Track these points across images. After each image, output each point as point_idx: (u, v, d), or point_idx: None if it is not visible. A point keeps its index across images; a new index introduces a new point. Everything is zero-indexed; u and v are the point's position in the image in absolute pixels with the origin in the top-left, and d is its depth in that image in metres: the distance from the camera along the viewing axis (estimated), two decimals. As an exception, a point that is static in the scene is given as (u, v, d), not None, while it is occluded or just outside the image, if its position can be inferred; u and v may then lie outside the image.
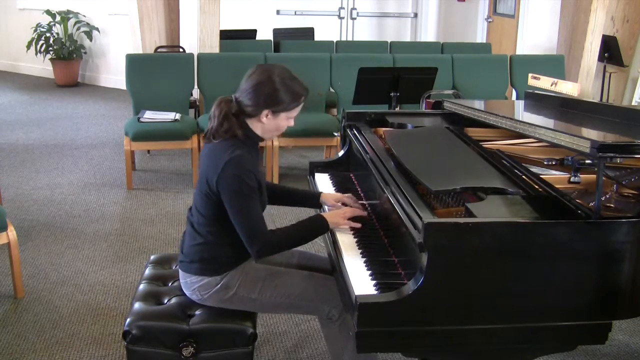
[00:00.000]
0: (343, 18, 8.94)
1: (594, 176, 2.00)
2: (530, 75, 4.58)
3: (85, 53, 9.20)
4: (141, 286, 2.54)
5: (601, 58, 6.52)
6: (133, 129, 5.06)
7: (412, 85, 4.69)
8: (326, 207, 2.61)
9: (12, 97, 8.33)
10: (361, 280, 2.03)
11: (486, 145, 2.58)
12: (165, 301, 2.44)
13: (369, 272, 2.08)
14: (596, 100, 6.78)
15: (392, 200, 2.13)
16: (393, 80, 4.67)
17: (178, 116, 5.26)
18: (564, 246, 1.85)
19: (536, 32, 7.72)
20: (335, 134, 5.08)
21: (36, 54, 8.95)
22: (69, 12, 9.02)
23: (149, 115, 5.23)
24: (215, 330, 2.31)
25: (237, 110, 2.28)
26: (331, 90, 5.91)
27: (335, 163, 3.06)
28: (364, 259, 2.17)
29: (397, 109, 4.71)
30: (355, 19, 8.96)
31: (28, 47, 8.98)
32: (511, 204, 1.98)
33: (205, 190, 2.28)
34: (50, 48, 8.93)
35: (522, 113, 2.90)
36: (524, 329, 1.92)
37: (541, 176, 2.19)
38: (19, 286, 3.38)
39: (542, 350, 2.04)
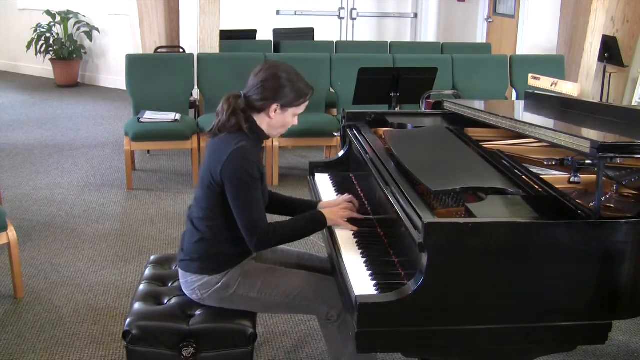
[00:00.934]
0: (343, 18, 8.94)
1: (594, 176, 2.00)
2: (530, 75, 4.58)
3: (85, 53, 9.21)
4: (141, 286, 2.54)
5: (601, 58, 6.53)
6: (133, 129, 5.06)
7: (412, 85, 4.69)
8: (322, 199, 2.64)
9: (12, 97, 8.33)
10: (361, 281, 2.02)
11: (486, 145, 2.58)
12: (165, 301, 2.44)
13: (369, 272, 2.08)
14: (596, 100, 6.78)
15: (392, 201, 2.13)
16: (393, 81, 4.67)
17: (178, 116, 5.26)
18: (564, 246, 1.85)
19: (536, 32, 7.73)
20: (335, 134, 5.08)
21: (36, 54, 8.96)
22: (69, 12, 9.02)
23: (149, 116, 5.23)
24: (215, 330, 2.31)
25: (245, 106, 2.31)
26: (331, 90, 5.91)
27: (335, 163, 3.06)
28: (364, 259, 2.17)
29: (397, 109, 4.71)
30: (355, 19, 8.96)
31: (28, 47, 8.98)
32: (511, 204, 1.98)
33: (207, 181, 2.29)
34: (50, 48, 8.93)
35: (522, 113, 2.90)
36: (524, 329, 1.92)
37: (541, 176, 2.18)
38: (19, 286, 3.38)
39: (542, 350, 2.04)
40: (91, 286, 3.54)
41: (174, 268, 2.67)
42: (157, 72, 5.59)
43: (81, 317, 3.22)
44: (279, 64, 2.37)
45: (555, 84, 4.24)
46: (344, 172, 3.01)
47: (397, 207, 2.07)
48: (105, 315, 3.25)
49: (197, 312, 2.37)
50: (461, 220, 1.82)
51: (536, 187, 2.11)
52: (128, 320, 2.32)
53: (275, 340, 3.06)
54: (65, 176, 5.36)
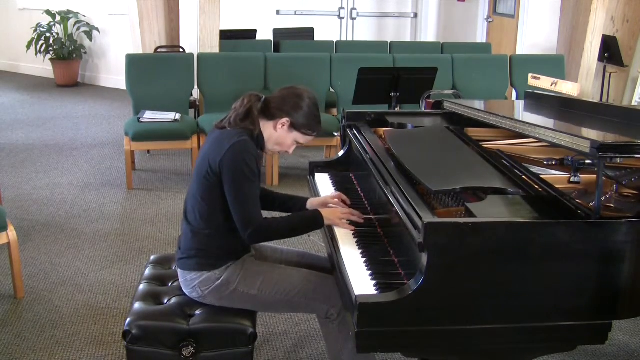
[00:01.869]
0: (343, 18, 8.94)
1: (594, 176, 2.00)
2: (530, 75, 4.58)
3: (85, 53, 9.20)
4: (141, 286, 2.54)
5: (601, 58, 6.52)
6: (133, 129, 5.06)
7: (412, 85, 4.69)
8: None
9: (12, 97, 8.33)
10: (361, 280, 2.03)
11: (486, 145, 2.58)
12: (165, 301, 2.45)
13: (369, 272, 2.08)
14: (596, 100, 6.78)
15: (392, 200, 2.13)
16: (393, 80, 4.67)
17: (178, 116, 5.26)
18: (564, 246, 1.85)
19: (536, 32, 7.73)
20: (335, 133, 5.08)
21: (36, 54, 8.95)
22: (69, 12, 9.02)
23: (149, 115, 5.23)
24: (215, 330, 2.31)
25: (260, 109, 2.35)
26: (331, 90, 5.91)
27: (335, 163, 3.06)
28: (364, 259, 2.17)
29: (397, 109, 4.71)
30: (355, 19, 8.96)
31: (28, 47, 8.98)
32: (511, 204, 1.98)
33: (204, 171, 2.30)
34: (50, 48, 8.93)
35: (522, 113, 2.91)
36: (524, 329, 1.92)
37: (541, 176, 2.18)
38: (19, 286, 3.38)
39: (542, 350, 2.04)
40: (91, 286, 3.55)
41: (173, 268, 2.67)
42: (157, 72, 5.58)
43: (81, 317, 3.22)
44: (307, 91, 2.41)
45: (555, 84, 4.24)
46: (344, 172, 3.01)
47: (397, 206, 2.07)
48: (105, 315, 3.25)
49: (197, 312, 2.37)
50: (461, 220, 1.82)
51: (536, 187, 2.11)
52: (128, 320, 2.32)
53: (275, 340, 3.06)
54: (65, 176, 5.36)
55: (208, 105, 5.58)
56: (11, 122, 7.04)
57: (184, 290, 2.42)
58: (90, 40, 9.06)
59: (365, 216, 2.46)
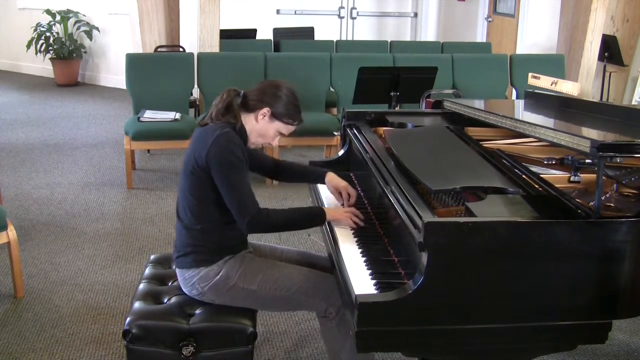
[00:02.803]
0: (343, 18, 8.94)
1: (594, 176, 2.00)
2: (530, 74, 4.58)
3: (85, 52, 9.20)
4: (141, 285, 2.54)
5: (601, 58, 6.53)
6: (133, 129, 5.06)
7: (412, 84, 4.69)
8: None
9: (12, 97, 8.33)
10: (361, 280, 2.03)
11: (486, 144, 2.58)
12: (165, 300, 2.45)
13: (369, 271, 2.08)
14: (596, 99, 6.78)
15: (392, 200, 2.13)
16: (393, 80, 4.67)
17: (178, 116, 5.26)
18: (564, 246, 1.85)
19: (536, 31, 7.72)
20: (335, 133, 5.08)
21: (36, 53, 8.95)
22: (69, 11, 9.01)
23: (149, 115, 5.23)
24: (215, 329, 2.31)
25: (240, 103, 2.36)
26: (331, 89, 5.91)
27: (335, 162, 3.06)
28: (364, 258, 2.17)
29: (397, 109, 4.71)
30: (355, 18, 8.96)
31: (28, 46, 8.97)
32: (511, 204, 1.98)
33: (191, 167, 2.31)
34: (50, 47, 8.93)
35: (522, 112, 2.90)
36: (524, 328, 1.92)
37: (541, 176, 2.18)
38: (19, 286, 3.38)
39: (542, 350, 2.04)
40: (91, 285, 3.55)
41: (173, 267, 2.67)
42: (157, 71, 5.59)
43: (81, 316, 3.22)
44: (286, 82, 2.43)
45: (555, 83, 4.24)
46: (344, 172, 3.00)
47: (397, 206, 2.07)
48: (105, 314, 3.25)
49: (197, 311, 2.37)
50: (461, 220, 1.82)
51: (536, 186, 2.11)
52: (128, 319, 2.32)
53: (275, 340, 3.06)
54: (65, 175, 5.36)
55: (208, 105, 5.54)
56: (11, 122, 7.04)
57: (184, 289, 2.42)
58: (90, 39, 9.06)
59: (365, 216, 2.46)
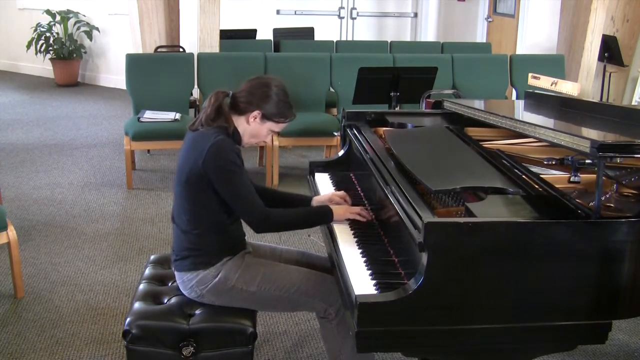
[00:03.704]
0: (343, 18, 8.94)
1: (594, 176, 2.00)
2: (530, 75, 4.58)
3: (85, 53, 9.20)
4: (141, 286, 2.54)
5: (601, 58, 6.52)
6: (133, 129, 5.06)
7: (412, 85, 4.69)
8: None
9: (12, 97, 8.33)
10: (361, 280, 2.03)
11: (486, 145, 2.58)
12: (165, 301, 2.45)
13: (369, 271, 2.08)
14: (596, 100, 6.78)
15: (392, 200, 2.13)
16: (393, 80, 4.67)
17: (178, 116, 5.26)
18: (564, 246, 1.85)
19: (536, 31, 7.72)
20: (335, 133, 5.08)
21: (36, 53, 8.95)
22: (69, 11, 9.02)
23: (149, 115, 5.23)
24: (215, 329, 2.31)
25: (230, 105, 2.35)
26: (331, 89, 5.91)
27: (335, 163, 3.06)
28: (364, 259, 2.17)
29: (397, 109, 4.71)
30: (355, 18, 8.96)
31: (28, 46, 8.97)
32: (511, 204, 1.98)
33: (186, 177, 2.32)
34: (50, 48, 8.93)
35: (522, 113, 2.90)
36: (523, 329, 1.92)
37: (541, 176, 2.18)
38: (19, 286, 3.38)
39: (542, 349, 2.04)
40: (91, 286, 3.55)
41: (172, 268, 2.67)
42: (157, 71, 5.58)
43: (81, 317, 3.22)
44: (274, 79, 2.41)
45: (555, 84, 4.24)
46: (344, 172, 3.01)
47: (397, 206, 2.07)
48: (105, 314, 3.25)
49: (197, 312, 2.37)
50: (461, 220, 1.82)
51: (536, 186, 2.10)
52: (128, 319, 2.32)
53: (275, 340, 3.06)
54: (65, 175, 5.36)
55: (208, 105, 5.57)
56: (11, 122, 7.04)
57: (183, 292, 2.42)
58: (90, 40, 9.06)
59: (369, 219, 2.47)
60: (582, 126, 2.50)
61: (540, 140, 2.35)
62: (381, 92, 4.70)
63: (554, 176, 2.24)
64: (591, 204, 1.88)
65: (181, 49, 6.50)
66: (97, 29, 9.03)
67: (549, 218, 1.85)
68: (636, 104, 6.55)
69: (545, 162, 2.37)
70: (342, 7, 8.91)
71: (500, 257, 1.84)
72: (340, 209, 2.45)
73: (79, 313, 3.26)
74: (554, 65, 6.16)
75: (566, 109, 2.75)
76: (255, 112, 2.34)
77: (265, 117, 2.36)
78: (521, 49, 7.77)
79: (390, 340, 1.88)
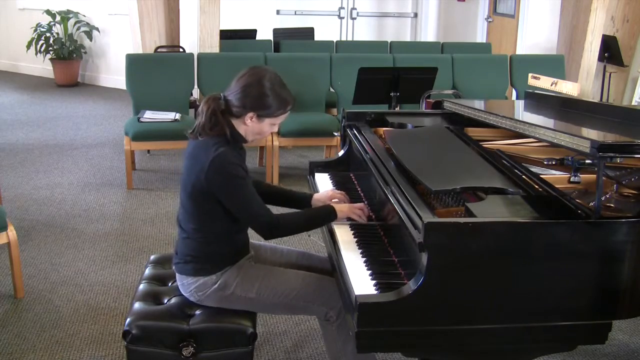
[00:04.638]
0: (343, 18, 8.94)
1: (594, 176, 2.00)
2: (530, 75, 4.58)
3: (85, 53, 9.20)
4: (141, 286, 2.54)
5: (601, 58, 6.53)
6: (133, 129, 5.06)
7: (412, 85, 4.69)
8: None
9: (12, 97, 8.33)
10: (361, 280, 2.03)
11: (486, 145, 2.58)
12: (165, 301, 2.45)
13: (369, 271, 2.08)
14: (596, 100, 6.78)
15: (392, 200, 2.13)
16: (393, 80, 4.67)
17: (178, 116, 5.26)
18: (564, 246, 1.85)
19: (536, 32, 7.72)
20: (335, 133, 5.08)
21: (36, 53, 8.95)
22: (69, 12, 9.01)
23: (149, 115, 5.23)
24: (215, 330, 2.31)
25: (224, 109, 2.29)
26: (331, 90, 5.91)
27: (335, 163, 3.06)
28: (364, 259, 2.17)
29: (397, 109, 4.71)
30: (355, 19, 8.96)
31: (28, 47, 8.97)
32: (511, 204, 1.98)
33: (190, 187, 2.29)
34: (50, 48, 8.93)
35: (522, 113, 2.90)
36: (524, 329, 1.92)
37: (541, 176, 2.18)
38: (19, 286, 3.38)
39: (542, 350, 2.04)
40: (91, 286, 3.54)
41: (173, 268, 2.67)
42: (157, 71, 5.58)
43: (81, 317, 3.22)
44: (264, 71, 2.31)
45: (555, 84, 4.25)
46: (344, 172, 3.01)
47: (397, 206, 2.07)
48: (105, 314, 3.25)
49: (197, 312, 2.37)
50: (461, 220, 1.82)
51: (536, 186, 2.11)
52: (128, 319, 2.32)
53: (275, 340, 3.06)
54: (65, 176, 5.36)
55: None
56: (11, 122, 7.04)
57: (182, 293, 2.42)
58: (90, 40, 9.06)
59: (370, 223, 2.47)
60: (582, 126, 2.50)
61: (540, 140, 2.35)
62: (381, 92, 4.70)
63: (554, 176, 2.24)
64: (591, 204, 1.88)
65: (181, 49, 6.50)
66: (97, 29, 9.03)
67: (549, 218, 1.85)
68: (636, 104, 6.55)
69: (545, 162, 2.37)
70: (342, 7, 8.91)
71: (500, 258, 1.84)
72: (343, 207, 2.44)
73: (79, 313, 3.26)
74: (554, 65, 6.17)
75: (566, 109, 2.75)
76: (250, 114, 2.27)
77: (261, 116, 2.30)
78: (521, 49, 7.77)
79: (390, 340, 1.88)
